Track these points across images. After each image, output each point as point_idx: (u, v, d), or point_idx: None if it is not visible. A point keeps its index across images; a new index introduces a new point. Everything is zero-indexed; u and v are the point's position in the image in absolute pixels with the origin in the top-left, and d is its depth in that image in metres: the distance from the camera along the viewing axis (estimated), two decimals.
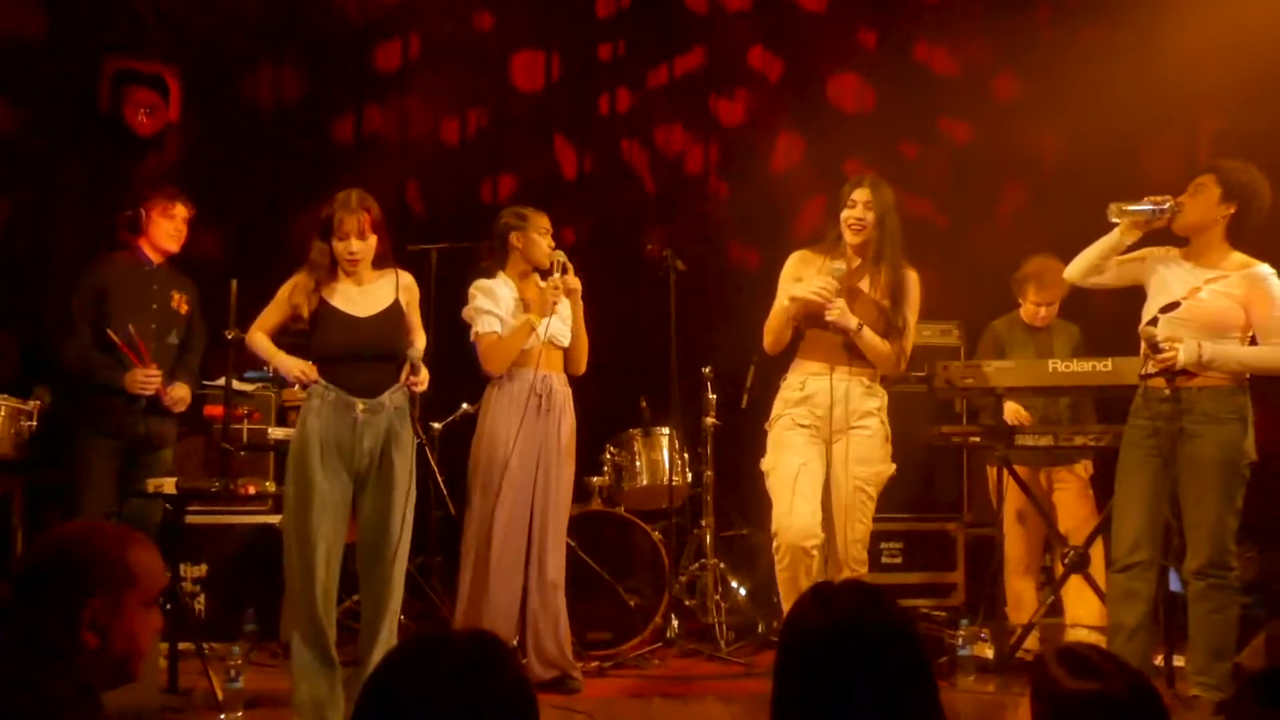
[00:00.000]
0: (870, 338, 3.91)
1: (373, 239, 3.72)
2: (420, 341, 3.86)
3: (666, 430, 5.13)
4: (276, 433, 4.90)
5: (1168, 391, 3.71)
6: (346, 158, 6.18)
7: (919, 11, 6.55)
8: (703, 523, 5.21)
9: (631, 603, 4.78)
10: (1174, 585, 3.94)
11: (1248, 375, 3.75)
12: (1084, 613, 4.59)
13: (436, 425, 5.10)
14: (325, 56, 6.23)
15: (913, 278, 4.05)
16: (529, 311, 4.18)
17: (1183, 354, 3.65)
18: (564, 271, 4.20)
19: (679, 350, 4.99)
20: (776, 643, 1.78)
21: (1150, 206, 3.80)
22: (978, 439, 4.52)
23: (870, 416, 3.97)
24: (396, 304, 3.79)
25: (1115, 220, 3.86)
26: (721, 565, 5.18)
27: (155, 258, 4.44)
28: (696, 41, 6.57)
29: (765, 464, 4.00)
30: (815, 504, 3.84)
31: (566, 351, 4.30)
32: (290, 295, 3.74)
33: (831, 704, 1.63)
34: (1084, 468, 4.85)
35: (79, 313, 4.30)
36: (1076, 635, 4.59)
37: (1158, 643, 3.91)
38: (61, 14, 5.70)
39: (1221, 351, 3.68)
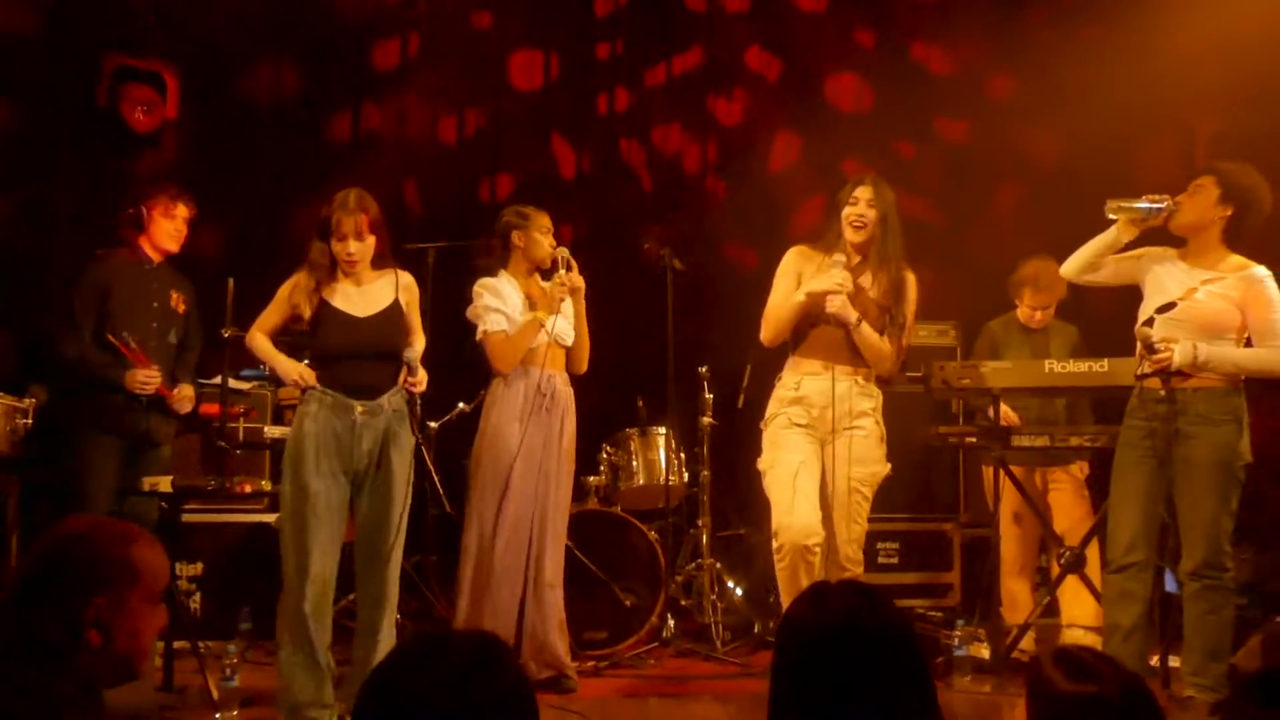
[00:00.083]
0: (868, 334, 3.92)
1: (371, 240, 3.72)
2: (419, 343, 3.86)
3: (663, 430, 5.13)
4: (273, 431, 4.90)
5: (1163, 392, 3.71)
6: (344, 156, 6.18)
7: (916, 12, 6.56)
8: (699, 522, 5.22)
9: (628, 602, 4.79)
10: (1169, 586, 3.95)
11: (1243, 377, 3.75)
12: (1080, 613, 4.59)
13: (433, 424, 5.10)
14: (323, 55, 6.23)
15: (911, 279, 4.06)
16: (535, 309, 4.18)
17: (1178, 355, 3.66)
18: (568, 269, 4.20)
19: (676, 350, 4.99)
20: (773, 643, 1.78)
21: (1147, 204, 3.80)
22: (974, 439, 4.52)
23: (865, 417, 3.98)
24: (396, 304, 3.79)
25: (1112, 217, 3.86)
26: (718, 565, 5.19)
27: (155, 257, 4.45)
28: (695, 41, 6.57)
29: (762, 463, 4.00)
30: (815, 502, 3.84)
31: (569, 350, 4.30)
32: (290, 295, 3.73)
33: (828, 704, 1.64)
34: (1079, 468, 4.86)
35: (81, 311, 4.30)
36: (1072, 635, 4.60)
37: (1153, 643, 3.92)
38: (59, 11, 5.69)
39: (1217, 353, 3.68)
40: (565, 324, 4.23)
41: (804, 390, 3.95)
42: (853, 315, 3.88)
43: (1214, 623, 3.70)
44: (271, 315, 3.77)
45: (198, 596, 4.76)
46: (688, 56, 6.58)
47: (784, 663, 1.72)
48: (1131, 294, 3.98)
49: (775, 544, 3.86)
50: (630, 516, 4.92)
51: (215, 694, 3.80)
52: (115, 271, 4.37)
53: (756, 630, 5.04)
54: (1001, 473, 4.43)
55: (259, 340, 3.76)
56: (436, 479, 4.79)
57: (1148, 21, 5.54)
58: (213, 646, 4.19)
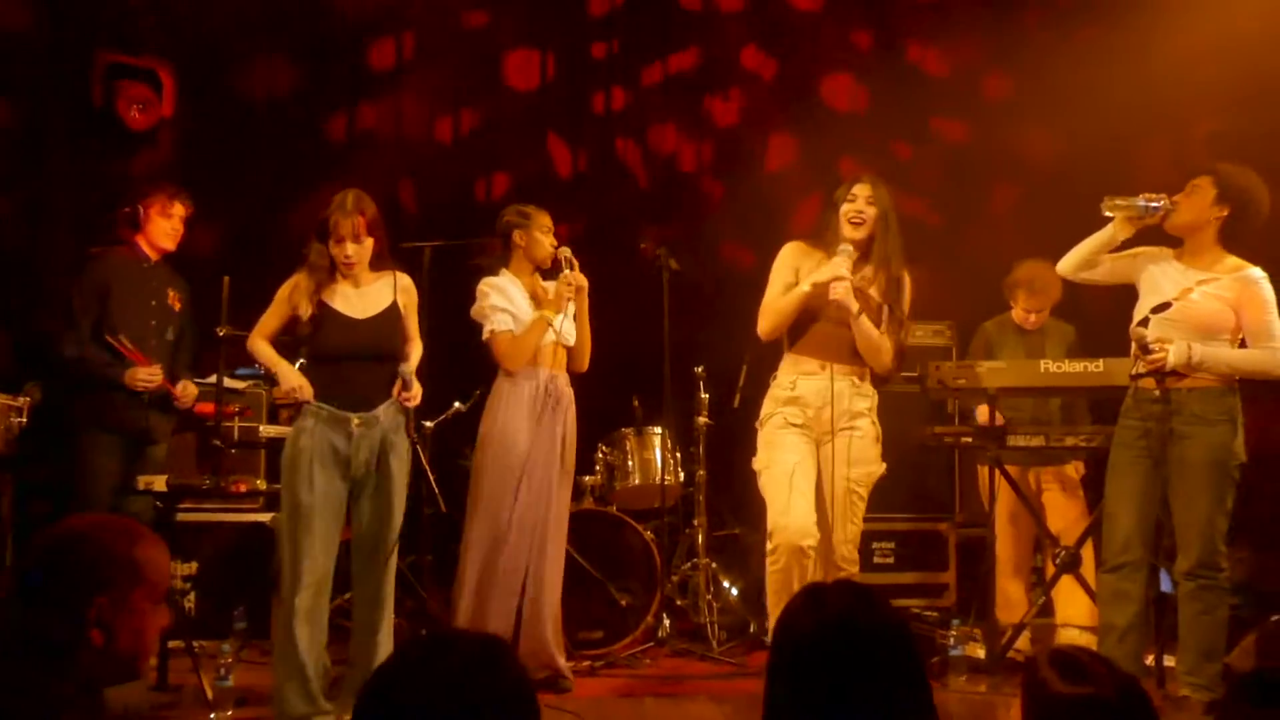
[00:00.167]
0: (868, 327, 3.89)
1: (368, 242, 3.72)
2: (415, 352, 3.86)
3: (659, 429, 5.13)
4: (268, 430, 4.89)
5: (1158, 392, 3.71)
6: (340, 155, 6.17)
7: (912, 12, 6.56)
8: (695, 522, 5.21)
9: (623, 602, 4.78)
10: (1164, 586, 3.96)
11: (1237, 378, 3.76)
12: (1074, 613, 4.60)
13: (428, 424, 5.09)
14: (319, 53, 6.22)
15: (906, 278, 4.05)
16: (541, 308, 4.18)
17: (1172, 355, 3.66)
18: (571, 268, 4.19)
19: (672, 350, 4.98)
20: (769, 643, 1.78)
21: (1144, 202, 3.80)
22: (970, 439, 4.53)
23: (861, 417, 3.97)
24: (395, 306, 3.80)
25: (1108, 214, 3.86)
26: (713, 565, 5.18)
27: (152, 255, 4.47)
28: (691, 41, 6.57)
29: (757, 463, 3.99)
30: (811, 503, 3.84)
31: (570, 350, 4.30)
32: (289, 296, 3.74)
33: (824, 704, 1.63)
34: (1075, 468, 4.87)
35: (80, 310, 4.32)
36: (1067, 635, 4.61)
37: (1148, 643, 3.92)
38: (54, 8, 5.67)
39: (1211, 353, 3.69)
40: (568, 323, 4.24)
41: (800, 390, 3.94)
42: (854, 305, 3.84)
43: (1209, 622, 3.70)
44: (271, 318, 3.77)
45: (192, 596, 4.75)
46: (684, 56, 6.58)
47: (779, 662, 1.71)
48: (1127, 293, 3.99)
49: (770, 545, 3.85)
50: (626, 516, 4.92)
51: (210, 693, 3.79)
52: (114, 270, 4.38)
53: (752, 630, 5.04)
54: (997, 473, 4.44)
55: (260, 345, 3.76)
56: (432, 478, 4.78)
57: (1145, 22, 5.54)
58: (207, 646, 4.18)
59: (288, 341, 3.84)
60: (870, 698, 1.63)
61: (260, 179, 5.93)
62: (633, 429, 5.17)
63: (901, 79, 6.47)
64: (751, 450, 4.09)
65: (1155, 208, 3.80)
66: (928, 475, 5.36)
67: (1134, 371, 3.81)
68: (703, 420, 5.19)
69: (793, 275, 4.00)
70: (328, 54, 6.23)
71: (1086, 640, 4.26)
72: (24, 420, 4.52)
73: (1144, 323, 3.78)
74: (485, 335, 4.19)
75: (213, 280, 4.42)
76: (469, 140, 6.40)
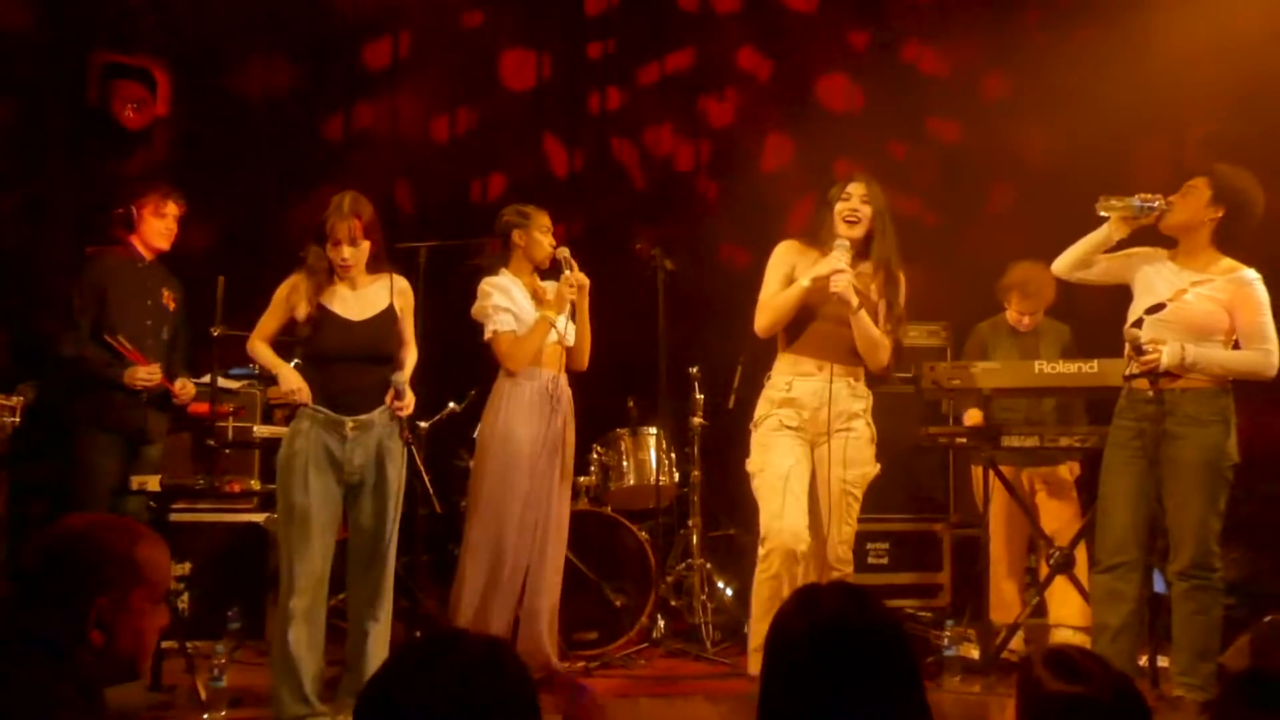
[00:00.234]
0: (866, 322, 3.85)
1: (365, 245, 3.73)
2: (410, 359, 3.87)
3: (654, 430, 5.13)
4: (262, 430, 4.89)
5: (1151, 393, 3.72)
6: (336, 155, 6.16)
7: (908, 12, 6.56)
8: (689, 523, 5.21)
9: (618, 603, 4.78)
10: (1158, 586, 3.96)
11: (1230, 379, 3.76)
12: (1066, 613, 4.61)
13: (423, 424, 5.08)
14: (315, 53, 6.21)
15: (901, 277, 4.03)
16: (543, 309, 4.18)
17: (1166, 356, 3.67)
18: (570, 268, 4.19)
19: (667, 350, 4.98)
20: (763, 644, 1.78)
21: (1139, 203, 3.80)
22: (964, 440, 4.53)
23: (857, 418, 3.95)
24: (391, 308, 3.80)
25: (1103, 214, 3.86)
26: (708, 565, 5.18)
27: (147, 255, 4.47)
28: (686, 41, 6.57)
29: (751, 465, 3.96)
30: (805, 507, 3.82)
31: (570, 349, 4.29)
32: (288, 297, 3.75)
33: (818, 706, 1.63)
34: (1069, 469, 4.87)
35: (79, 310, 4.32)
36: (1061, 636, 4.61)
37: (1142, 643, 3.92)
38: (49, 7, 5.66)
39: (1204, 355, 3.69)
40: (569, 324, 4.23)
41: (795, 391, 3.92)
42: (854, 299, 3.81)
43: (1203, 623, 3.71)
44: (270, 320, 3.78)
45: (186, 596, 4.74)
46: (679, 56, 6.58)
47: (774, 664, 1.71)
48: (1122, 294, 3.99)
49: (762, 551, 3.82)
50: (621, 517, 4.92)
51: (203, 694, 3.79)
52: (111, 270, 4.39)
53: (747, 630, 5.03)
54: (991, 473, 4.44)
55: (260, 348, 3.77)
56: (427, 479, 4.78)
57: (1142, 23, 5.55)
58: (201, 646, 4.17)
59: (285, 342, 3.84)
60: (865, 698, 1.63)
61: (256, 179, 5.93)
62: (628, 429, 5.17)
63: (897, 79, 6.48)
64: (746, 451, 4.08)
65: (1151, 208, 3.80)
66: (922, 476, 5.36)
67: (1128, 372, 3.81)
68: (698, 421, 5.18)
69: (788, 273, 3.97)
70: (324, 54, 6.23)
71: (1080, 640, 4.26)
72: (17, 420, 4.51)
73: (1138, 324, 3.78)
74: (487, 335, 4.18)
75: (208, 280, 4.42)
76: (465, 140, 6.40)
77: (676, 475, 5.14)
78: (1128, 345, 3.77)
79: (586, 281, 4.23)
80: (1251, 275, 3.77)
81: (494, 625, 4.00)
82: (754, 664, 3.80)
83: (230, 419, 4.83)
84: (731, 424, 4.99)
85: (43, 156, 5.66)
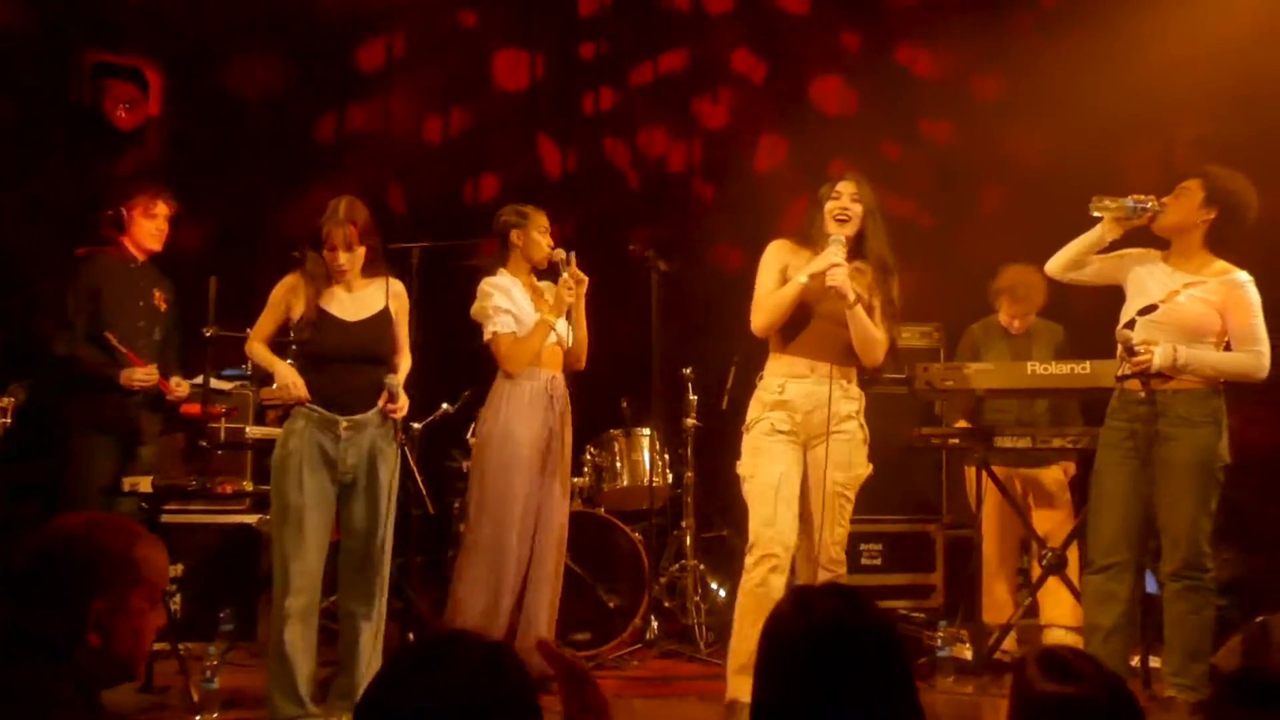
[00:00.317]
0: (863, 317, 3.80)
1: (360, 250, 3.75)
2: (405, 364, 3.87)
3: (647, 431, 5.13)
4: (254, 431, 4.87)
5: (1143, 394, 3.73)
6: (329, 155, 6.15)
7: (901, 14, 6.57)
8: (683, 524, 5.21)
9: (611, 604, 4.78)
10: (1150, 587, 3.97)
11: (1221, 380, 3.77)
12: (1058, 613, 4.62)
13: (416, 425, 5.07)
14: (308, 53, 6.20)
15: (894, 272, 4.00)
16: (542, 310, 4.17)
17: (1158, 357, 3.67)
18: (567, 268, 4.18)
19: (660, 351, 4.98)
20: (756, 645, 1.77)
21: (1132, 203, 3.80)
22: (957, 441, 4.53)
23: (849, 420, 3.89)
24: (386, 311, 3.82)
25: (1096, 214, 3.86)
26: (701, 567, 5.19)
27: (139, 256, 4.46)
28: (680, 43, 6.57)
29: (742, 469, 3.89)
30: (795, 513, 3.78)
31: (569, 349, 4.29)
32: (284, 297, 3.76)
33: (812, 706, 1.63)
34: (1063, 469, 4.88)
35: (73, 311, 4.32)
36: (1054, 636, 4.62)
37: (1134, 644, 3.93)
38: (40, 6, 5.65)
39: (1196, 356, 3.70)
40: (564, 324, 4.23)
41: (788, 394, 3.85)
42: (851, 293, 3.75)
43: (1195, 623, 3.71)
44: (267, 321, 3.79)
45: (178, 598, 4.72)
46: (673, 57, 6.58)
47: (767, 664, 1.71)
48: (1115, 295, 4.00)
49: (750, 559, 3.80)
50: (614, 518, 4.92)
51: (195, 696, 3.78)
52: (103, 271, 4.39)
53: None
54: (984, 474, 4.44)
55: (257, 348, 3.79)
56: (420, 480, 4.77)
57: (1132, 26, 5.57)
58: (193, 648, 4.16)
59: (282, 343, 3.84)
60: (857, 699, 1.63)
61: (248, 179, 5.91)
62: (621, 430, 5.17)
63: (891, 81, 6.49)
64: (739, 452, 4.06)
65: (1144, 209, 3.81)
66: (915, 477, 5.36)
67: (1120, 373, 3.82)
68: (691, 422, 5.18)
69: (781, 271, 3.94)
70: (316, 53, 6.22)
71: (1073, 640, 4.27)
72: (8, 420, 4.49)
73: (1130, 325, 3.79)
74: (486, 336, 4.18)
75: (200, 280, 4.41)
76: (458, 141, 6.39)
77: (670, 476, 5.15)
78: (1120, 346, 3.78)
79: (585, 278, 4.22)
80: (1243, 277, 3.78)
81: (493, 627, 3.99)
82: (735, 687, 3.68)
83: (223, 420, 4.82)
84: (725, 425, 4.99)
85: (34, 156, 5.64)
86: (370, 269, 3.81)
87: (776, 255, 3.94)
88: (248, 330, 3.86)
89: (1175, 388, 3.73)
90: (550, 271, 4.28)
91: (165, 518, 4.35)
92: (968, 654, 4.41)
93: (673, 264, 5.15)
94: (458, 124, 6.42)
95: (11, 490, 4.66)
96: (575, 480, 5.04)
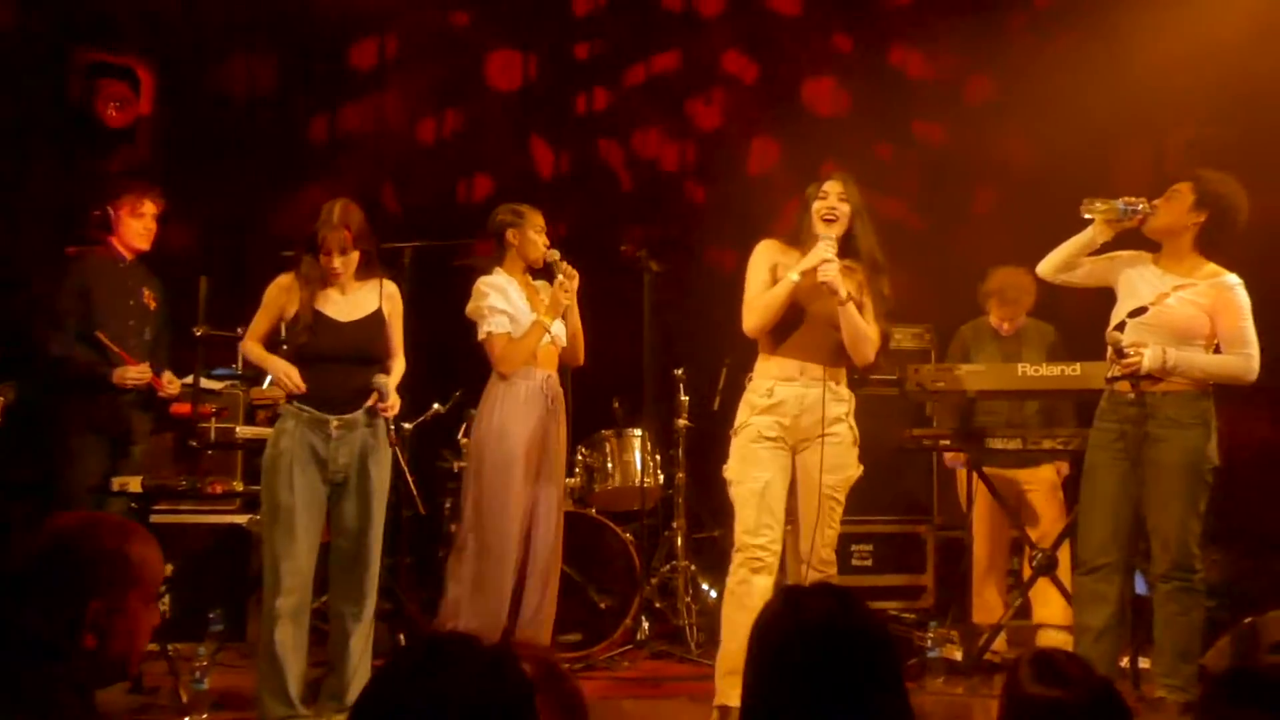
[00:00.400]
0: (854, 314, 3.77)
1: (354, 255, 3.76)
2: (398, 368, 3.87)
3: (639, 432, 5.12)
4: (244, 431, 4.86)
5: (1132, 396, 3.74)
6: (321, 155, 6.14)
7: (894, 16, 6.58)
8: (674, 524, 5.21)
9: (602, 604, 4.78)
10: (1139, 588, 3.98)
11: (1210, 382, 3.79)
12: (1049, 613, 4.63)
13: (408, 425, 5.07)
14: (301, 52, 6.19)
15: (885, 269, 3.99)
16: (536, 310, 4.17)
17: (1147, 359, 3.68)
18: (561, 269, 4.17)
19: (652, 352, 4.98)
20: (747, 645, 1.78)
21: (1123, 205, 3.81)
22: (948, 442, 4.54)
23: (839, 422, 3.85)
24: (379, 312, 3.83)
25: (1087, 216, 3.87)
26: (692, 567, 5.18)
27: (127, 255, 4.44)
28: (673, 44, 6.57)
29: (729, 473, 3.85)
30: (781, 520, 3.76)
31: (566, 346, 4.28)
32: (278, 297, 3.77)
33: (802, 706, 1.63)
34: (1054, 470, 4.89)
35: (65, 311, 4.30)
36: (1047, 636, 4.63)
37: (1124, 644, 3.94)
38: (32, 4, 5.63)
39: (1185, 358, 3.71)
40: (559, 324, 4.23)
41: (777, 397, 3.80)
42: (843, 289, 3.72)
43: (1184, 624, 3.72)
44: (262, 321, 3.80)
45: (168, 598, 4.70)
46: (666, 58, 6.58)
47: (758, 664, 1.71)
48: (1105, 297, 4.01)
49: (734, 562, 3.77)
50: (605, 518, 4.91)
51: (184, 697, 3.77)
52: (93, 271, 4.38)
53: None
54: (975, 475, 4.45)
55: (252, 348, 3.79)
56: (411, 481, 4.76)
57: (1123, 29, 5.59)
58: (182, 649, 4.15)
59: (276, 342, 3.84)
60: (848, 699, 1.63)
61: (240, 178, 5.90)
62: (613, 431, 5.17)
63: (883, 82, 6.50)
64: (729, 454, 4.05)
65: (1134, 211, 3.82)
66: (906, 478, 5.37)
67: (1109, 375, 3.83)
68: (682, 422, 5.18)
69: (771, 271, 3.91)
70: (309, 53, 6.21)
71: (1064, 640, 4.29)
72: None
73: (1120, 327, 3.80)
74: (481, 336, 4.17)
75: (191, 279, 4.40)
76: (451, 141, 6.39)
77: (661, 477, 5.14)
78: (1109, 348, 3.79)
79: (575, 274, 4.21)
80: (1233, 280, 3.79)
81: (489, 629, 3.97)
82: (724, 692, 3.66)
83: (213, 420, 4.81)
84: (716, 426, 4.99)
85: (25, 155, 5.62)
86: (364, 271, 3.82)
87: (766, 255, 3.92)
88: (239, 330, 3.86)
89: (1165, 390, 3.73)
90: (546, 271, 4.27)
91: (155, 518, 4.33)
92: (958, 655, 4.42)
93: (665, 265, 5.14)
94: (451, 124, 6.41)
95: (2, 490, 4.64)
96: (567, 481, 5.04)
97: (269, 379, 4.78)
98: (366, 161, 6.14)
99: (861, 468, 3.98)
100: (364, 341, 3.77)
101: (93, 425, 4.25)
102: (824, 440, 3.78)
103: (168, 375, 4.43)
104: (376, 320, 3.81)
